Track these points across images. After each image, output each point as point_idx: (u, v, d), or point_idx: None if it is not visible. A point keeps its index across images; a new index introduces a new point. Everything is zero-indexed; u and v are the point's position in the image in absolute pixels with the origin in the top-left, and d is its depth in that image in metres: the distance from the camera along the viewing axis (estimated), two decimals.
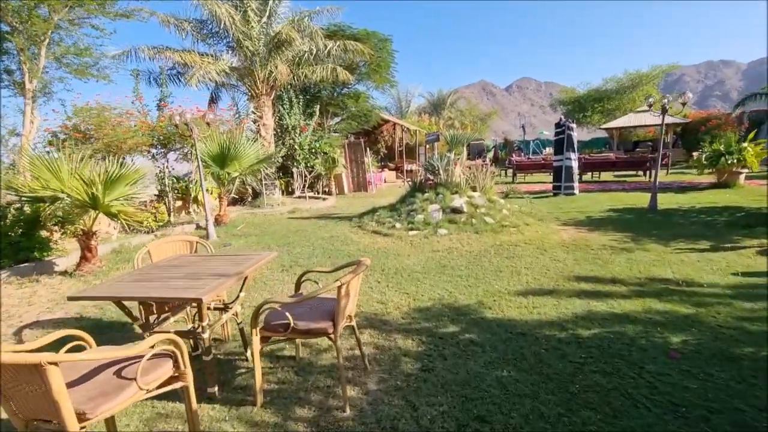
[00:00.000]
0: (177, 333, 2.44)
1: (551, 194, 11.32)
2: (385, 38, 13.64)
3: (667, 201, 9.29)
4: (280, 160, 12.51)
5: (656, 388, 2.34)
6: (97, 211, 5.57)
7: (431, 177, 8.15)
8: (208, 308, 2.84)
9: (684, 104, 7.74)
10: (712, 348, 2.75)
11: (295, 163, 11.95)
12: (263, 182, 11.33)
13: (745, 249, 5.03)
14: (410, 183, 8.54)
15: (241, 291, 2.93)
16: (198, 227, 8.39)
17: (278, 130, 12.55)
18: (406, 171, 19.67)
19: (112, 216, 5.45)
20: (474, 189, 8.00)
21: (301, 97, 12.64)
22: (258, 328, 2.31)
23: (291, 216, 9.77)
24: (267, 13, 10.46)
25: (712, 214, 7.48)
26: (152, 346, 1.81)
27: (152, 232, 8.01)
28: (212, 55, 10.69)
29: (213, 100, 13.12)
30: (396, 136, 23.20)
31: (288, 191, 13.96)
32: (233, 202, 11.95)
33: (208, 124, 7.41)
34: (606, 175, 16.32)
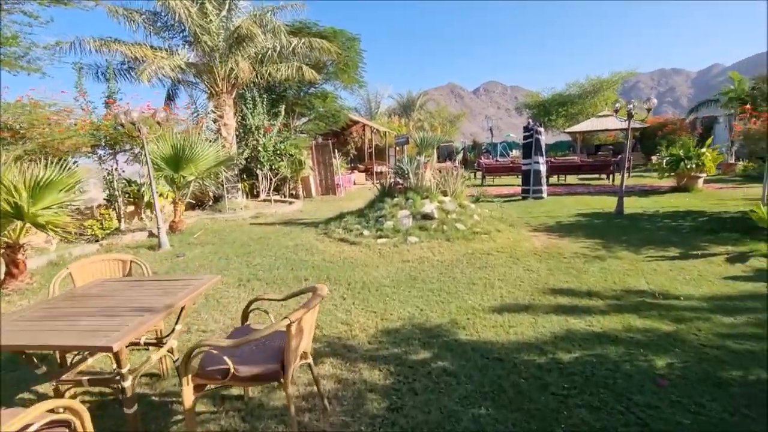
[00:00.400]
0: (92, 380, 2.00)
1: (520, 198, 11.32)
2: (352, 37, 13.27)
3: (631, 205, 9.43)
4: (243, 162, 11.88)
5: (648, 426, 2.11)
6: (23, 222, 4.90)
7: (401, 181, 7.86)
8: (137, 344, 2.39)
9: (649, 110, 7.84)
10: (698, 372, 2.57)
11: (259, 166, 11.35)
12: (225, 185, 10.68)
13: (714, 256, 5.03)
14: (379, 187, 8.22)
15: (177, 323, 2.49)
16: (151, 235, 7.72)
17: (241, 131, 11.91)
18: (376, 173, 19.37)
19: (40, 227, 4.80)
20: (445, 194, 7.78)
21: (265, 96, 12.06)
22: (190, 376, 1.90)
23: (254, 222, 9.22)
24: (227, 7, 9.85)
25: (676, 219, 7.60)
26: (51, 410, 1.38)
27: (98, 241, 7.29)
28: (167, 50, 9.96)
29: (170, 98, 12.31)
30: (366, 137, 22.85)
31: (253, 194, 13.32)
32: (192, 207, 11.23)
33: (158, 123, 6.78)
34: (571, 178, 16.65)
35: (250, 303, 2.49)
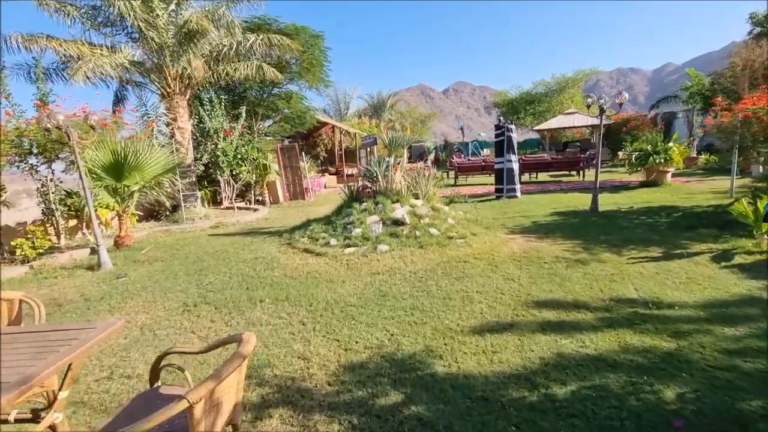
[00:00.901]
0: None
1: (494, 197, 11.05)
2: (316, 34, 12.67)
3: (605, 201, 9.29)
4: (202, 168, 11.08)
5: None
6: None
7: (369, 185, 7.36)
8: (5, 421, 1.77)
9: (621, 104, 7.68)
10: (714, 404, 2.19)
11: (219, 171, 10.57)
12: (181, 194, 9.86)
13: (698, 255, 4.79)
14: (347, 190, 7.68)
15: (61, 388, 1.86)
16: (93, 252, 6.88)
17: (198, 135, 11.10)
18: (347, 175, 18.81)
19: None
20: (416, 196, 7.34)
21: (224, 97, 11.29)
22: None
23: (213, 233, 8.49)
24: (175, 0, 9.06)
25: (651, 215, 7.45)
26: None
27: (28, 261, 6.42)
28: (109, 47, 9.06)
29: (119, 101, 11.34)
30: (335, 139, 22.24)
31: (215, 202, 12.50)
32: (146, 218, 10.34)
33: (92, 127, 5.99)
34: (542, 176, 16.64)
35: (161, 357, 1.91)
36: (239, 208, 11.70)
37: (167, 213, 10.40)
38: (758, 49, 11.09)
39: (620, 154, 20.03)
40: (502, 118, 11.29)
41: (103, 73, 8.15)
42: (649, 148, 11.12)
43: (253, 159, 11.24)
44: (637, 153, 11.24)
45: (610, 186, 12.06)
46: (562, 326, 3.22)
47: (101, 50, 8.54)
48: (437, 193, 7.74)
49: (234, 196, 13.66)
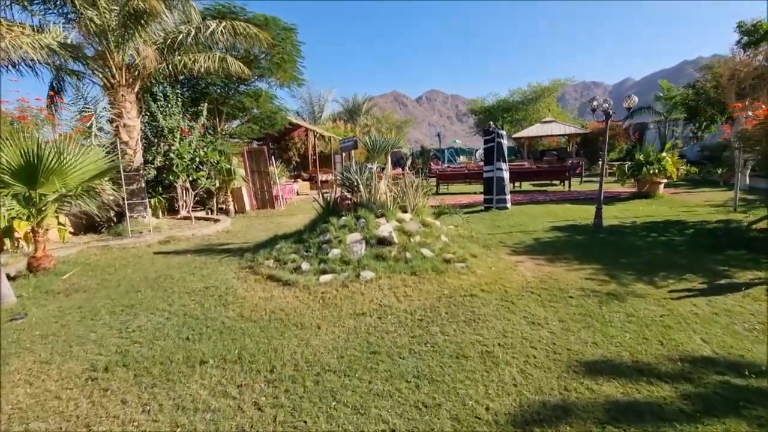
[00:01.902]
0: None
1: (482, 208, 10.18)
2: (288, 27, 11.50)
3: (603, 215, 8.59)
4: (153, 172, 9.64)
5: None
6: None
7: (349, 195, 6.27)
8: None
9: (629, 108, 6.97)
10: None
11: (171, 176, 9.17)
12: (126, 202, 8.42)
13: (751, 288, 3.98)
14: (322, 201, 6.55)
15: None
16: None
17: (150, 134, 9.67)
18: (322, 182, 17.63)
19: None
20: (404, 209, 6.30)
21: (181, 92, 9.91)
22: None
23: (161, 249, 7.14)
24: None
25: (662, 232, 6.72)
26: None
27: None
28: (35, 27, 7.57)
29: (55, 92, 9.74)
30: (309, 143, 21.00)
31: (173, 210, 11.01)
32: (85, 230, 8.80)
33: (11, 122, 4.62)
34: (525, 185, 16.04)
35: None
36: (198, 219, 10.30)
37: (113, 223, 8.91)
38: (746, 58, 10.85)
39: (601, 164, 19.92)
40: (492, 123, 10.43)
41: (23, 57, 6.69)
42: (641, 158, 10.59)
43: (215, 163, 9.91)
44: (629, 163, 10.69)
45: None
46: (638, 412, 2.24)
47: (23, 29, 7.06)
48: (427, 206, 6.73)
49: (192, 204, 12.22)
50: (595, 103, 6.72)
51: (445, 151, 35.15)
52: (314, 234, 5.82)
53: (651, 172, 10.18)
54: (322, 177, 17.49)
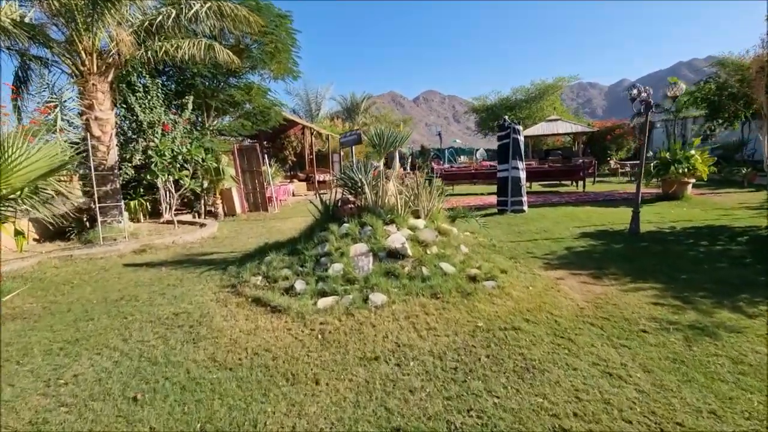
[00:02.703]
0: None
1: (496, 211, 9.28)
2: (282, 14, 10.54)
3: (627, 218, 7.71)
4: (131, 171, 8.68)
5: None
6: None
7: (352, 198, 5.34)
8: None
9: (674, 98, 6.09)
10: None
11: (149, 176, 8.18)
12: (97, 205, 7.46)
13: None
14: (320, 205, 5.62)
15: None
16: None
17: (126, 128, 8.70)
18: (319, 182, 16.69)
19: None
20: (416, 215, 5.38)
21: (160, 82, 8.94)
22: None
23: (133, 261, 6.18)
24: None
25: (712, 240, 5.83)
26: None
27: None
28: None
29: (21, 80, 8.75)
30: (306, 141, 20.05)
31: (156, 213, 10.04)
32: (52, 237, 7.83)
33: None
34: (535, 185, 15.16)
35: None
36: (182, 223, 9.34)
37: (85, 229, 7.94)
38: None
39: (612, 162, 19.11)
40: (507, 117, 9.49)
41: None
42: (667, 156, 9.72)
43: (200, 161, 8.94)
44: (655, 162, 9.82)
45: (624, 199, 10.59)
46: None
47: None
48: (442, 210, 5.81)
49: (176, 207, 11.25)
50: (635, 91, 5.81)
51: (445, 150, 34.33)
52: (311, 244, 4.88)
53: (680, 171, 9.31)
54: (319, 177, 16.55)
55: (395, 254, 4.44)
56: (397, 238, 4.66)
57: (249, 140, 17.36)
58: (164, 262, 5.96)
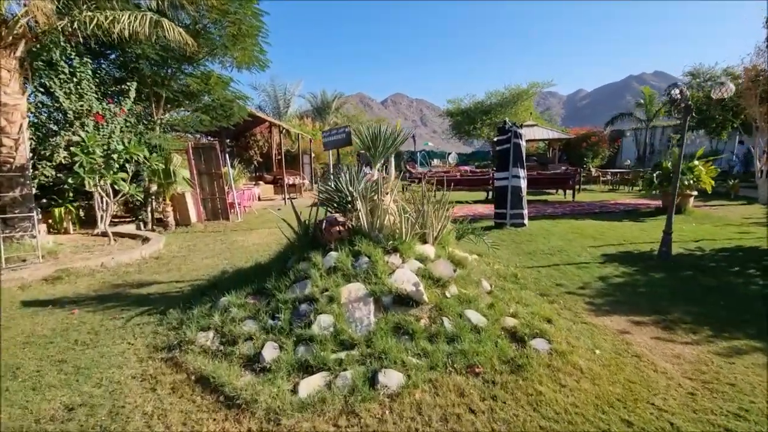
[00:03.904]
0: None
1: (493, 224, 8.25)
2: None
3: (641, 236, 6.90)
4: (51, 171, 6.94)
5: None
6: None
7: (340, 217, 4.04)
8: None
9: (721, 100, 5.26)
10: None
11: (73, 178, 6.45)
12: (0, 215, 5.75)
13: None
14: (298, 226, 4.29)
15: None
16: None
17: (46, 118, 6.96)
18: (288, 185, 15.16)
19: None
20: (423, 239, 4.17)
21: (89, 61, 7.23)
22: None
23: (38, 296, 4.59)
24: None
25: (759, 268, 5.01)
26: None
27: None
28: None
29: None
30: (273, 140, 18.42)
31: (93, 220, 8.25)
32: None
33: None
34: None
35: None
36: (120, 236, 7.66)
37: None
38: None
39: (593, 170, 18.78)
40: (507, 119, 8.50)
41: None
42: (669, 165, 9.09)
43: (142, 161, 7.32)
44: (658, 172, 9.16)
45: (622, 211, 9.88)
46: None
47: None
48: (453, 231, 4.63)
49: (118, 214, 9.51)
50: (675, 91, 4.90)
51: (418, 153, 33.55)
52: (285, 281, 3.54)
53: (686, 183, 8.66)
54: (288, 180, 15.03)
55: (406, 300, 3.20)
56: (405, 275, 3.42)
57: (209, 138, 15.58)
58: (81, 298, 4.42)
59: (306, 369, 2.64)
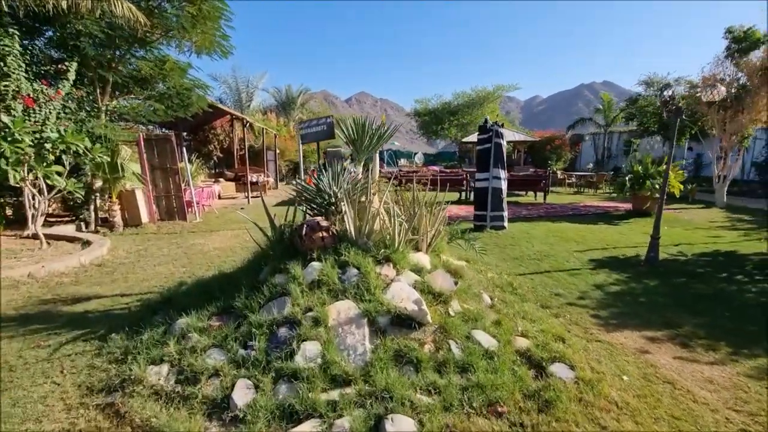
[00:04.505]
0: None
1: (471, 226, 7.94)
2: None
3: (620, 239, 6.84)
4: None
5: None
6: None
7: (323, 221, 3.48)
8: None
9: (716, 101, 5.17)
10: None
11: None
12: None
13: None
14: (271, 231, 3.71)
15: None
16: None
17: None
18: (251, 183, 14.22)
19: None
20: (415, 246, 3.71)
21: (18, 34, 6.17)
22: None
23: None
24: None
25: (744, 273, 4.97)
26: None
27: None
28: None
29: None
30: (236, 135, 17.34)
31: (23, 220, 7.11)
32: None
33: None
34: None
35: None
36: (55, 239, 6.66)
37: None
38: (733, 67, 10.07)
39: (559, 173, 19.12)
40: (488, 117, 8.22)
41: None
42: (640, 170, 9.20)
43: (82, 152, 6.35)
44: (630, 175, 9.24)
45: (593, 214, 9.92)
46: None
47: None
48: (445, 236, 4.21)
49: (54, 212, 8.40)
50: (668, 93, 4.75)
51: (385, 152, 33.19)
52: (258, 296, 2.96)
53: (655, 186, 8.78)
54: (252, 177, 14.10)
55: (406, 321, 2.72)
56: (402, 289, 2.95)
57: (163, 129, 14.35)
58: None
59: (290, 416, 2.10)
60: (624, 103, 21.89)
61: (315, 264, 3.14)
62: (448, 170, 18.60)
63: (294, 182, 4.26)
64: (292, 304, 2.80)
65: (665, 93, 4.83)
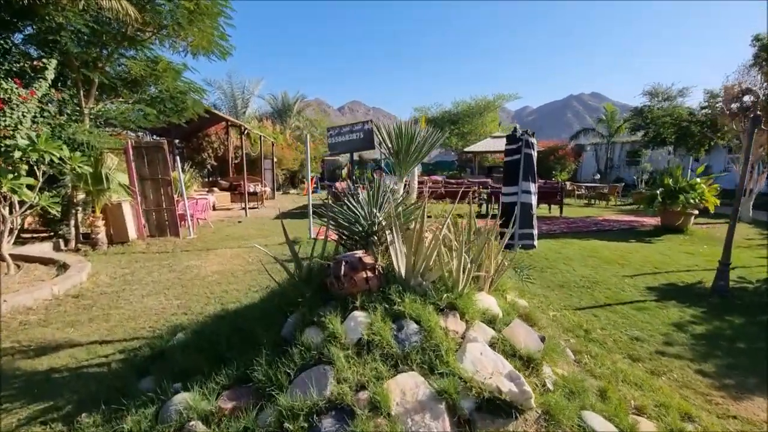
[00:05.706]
0: None
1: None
2: None
3: (668, 261, 6.16)
4: None
5: None
6: None
7: (365, 257, 2.70)
8: None
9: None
10: None
11: None
12: None
13: None
14: (294, 266, 2.93)
15: None
16: None
17: None
18: (249, 193, 13.36)
19: None
20: (477, 285, 2.94)
21: None
22: None
23: None
24: None
25: None
26: None
27: None
28: None
29: None
30: (231, 142, 16.51)
31: None
32: None
33: None
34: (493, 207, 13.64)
35: None
36: (26, 261, 5.76)
37: None
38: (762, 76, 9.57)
39: (567, 184, 18.56)
40: (518, 126, 7.52)
41: None
42: (670, 182, 8.59)
43: (58, 161, 5.49)
44: (661, 189, 8.61)
45: (619, 229, 9.27)
46: None
47: None
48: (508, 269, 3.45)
49: (28, 227, 7.51)
50: (748, 98, 4.10)
51: (381, 161, 32.48)
52: (285, 363, 2.16)
53: (690, 200, 8.16)
54: (250, 188, 13.26)
55: (503, 408, 1.94)
56: (484, 354, 2.18)
57: (154, 136, 13.47)
58: None
59: None
60: (629, 113, 21.58)
61: (358, 315, 2.36)
62: (453, 181, 17.96)
63: (324, 197, 3.48)
64: (336, 380, 2.01)
65: (745, 98, 4.19)
